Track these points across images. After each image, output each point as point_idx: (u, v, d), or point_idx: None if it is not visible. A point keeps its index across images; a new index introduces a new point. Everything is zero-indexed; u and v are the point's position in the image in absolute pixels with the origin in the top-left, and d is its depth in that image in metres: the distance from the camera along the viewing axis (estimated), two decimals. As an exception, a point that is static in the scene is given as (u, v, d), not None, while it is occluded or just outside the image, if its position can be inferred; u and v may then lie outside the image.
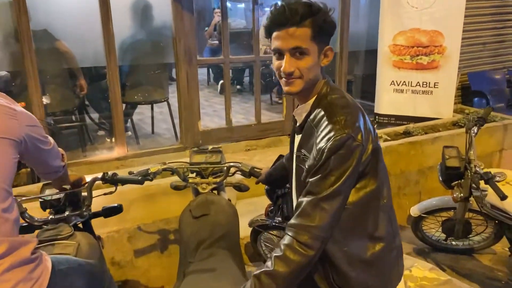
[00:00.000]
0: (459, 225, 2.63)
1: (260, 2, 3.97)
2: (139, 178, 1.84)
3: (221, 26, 6.84)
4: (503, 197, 2.16)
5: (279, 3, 1.26)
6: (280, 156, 2.16)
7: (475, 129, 2.51)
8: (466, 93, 4.99)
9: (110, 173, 1.86)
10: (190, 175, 2.15)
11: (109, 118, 3.70)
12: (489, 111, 2.60)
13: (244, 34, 6.93)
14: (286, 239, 1.18)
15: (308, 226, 1.16)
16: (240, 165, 2.04)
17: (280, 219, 2.12)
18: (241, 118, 5.03)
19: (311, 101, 1.30)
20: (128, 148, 3.63)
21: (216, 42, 7.14)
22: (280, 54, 1.25)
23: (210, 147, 3.85)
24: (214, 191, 2.15)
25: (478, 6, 4.73)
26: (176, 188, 2.14)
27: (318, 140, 1.20)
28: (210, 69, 7.85)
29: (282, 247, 1.18)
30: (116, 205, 1.93)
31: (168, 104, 4.45)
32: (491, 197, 2.37)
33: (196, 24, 3.89)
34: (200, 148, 2.23)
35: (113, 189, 1.90)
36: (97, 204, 1.89)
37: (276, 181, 1.90)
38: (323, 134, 1.19)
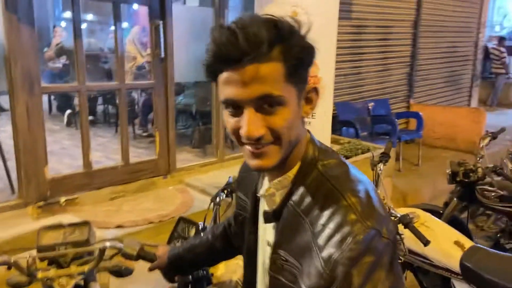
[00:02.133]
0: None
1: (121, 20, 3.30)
2: None
3: (63, 48, 6.04)
4: (426, 243, 1.96)
5: (225, 24, 0.73)
6: (181, 220, 1.58)
7: (381, 165, 2.33)
8: (333, 123, 5.09)
9: None
10: (40, 264, 1.39)
11: None
12: (390, 145, 2.47)
13: (92, 57, 6.16)
14: None
15: None
16: (121, 246, 1.35)
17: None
18: (100, 157, 4.17)
19: (291, 173, 0.81)
20: None
21: (59, 65, 6.22)
22: (236, 107, 0.75)
23: (63, 199, 3.01)
24: (80, 281, 1.45)
25: (338, 39, 4.90)
26: (16, 286, 1.37)
27: (321, 242, 0.72)
28: (51, 96, 6.68)
29: None
30: None
31: (-1, 144, 3.40)
32: (409, 241, 2.17)
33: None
34: (54, 224, 1.47)
35: None
36: None
37: (183, 267, 1.32)
38: (328, 231, 0.72)
